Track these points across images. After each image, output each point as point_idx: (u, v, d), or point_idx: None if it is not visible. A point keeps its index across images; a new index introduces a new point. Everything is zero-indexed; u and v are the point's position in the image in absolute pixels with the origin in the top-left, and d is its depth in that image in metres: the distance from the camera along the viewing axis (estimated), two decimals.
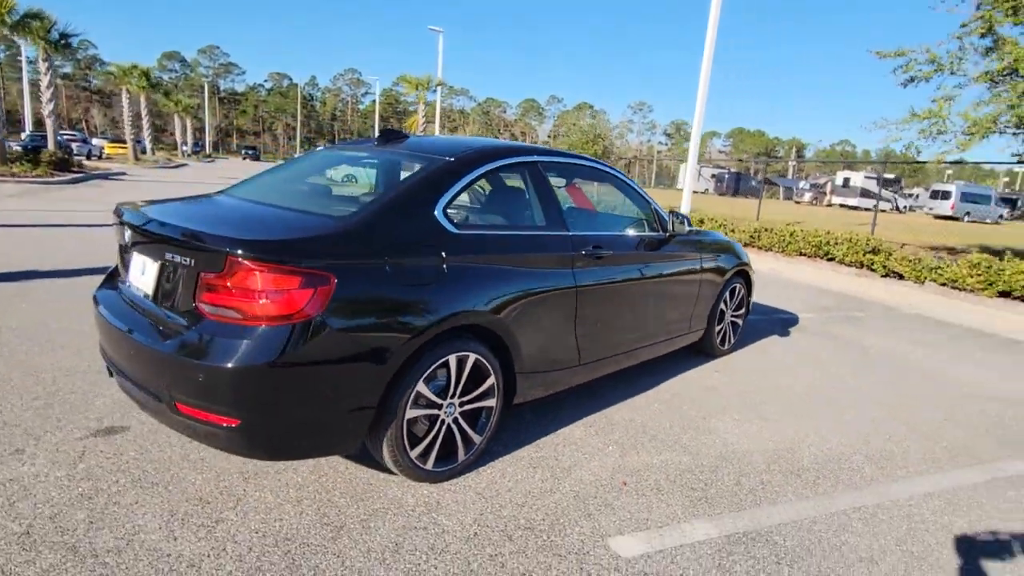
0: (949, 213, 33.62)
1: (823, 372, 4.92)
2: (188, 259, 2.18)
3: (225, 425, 2.07)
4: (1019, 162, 9.83)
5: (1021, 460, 3.57)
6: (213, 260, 2.09)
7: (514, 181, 3.36)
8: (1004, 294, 8.37)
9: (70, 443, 2.75)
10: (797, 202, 44.33)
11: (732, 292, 4.87)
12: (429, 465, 2.61)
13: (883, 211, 33.39)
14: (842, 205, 40.42)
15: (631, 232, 3.76)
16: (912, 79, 9.83)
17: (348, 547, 2.21)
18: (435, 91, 30.39)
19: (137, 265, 2.49)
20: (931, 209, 35.55)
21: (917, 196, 45.92)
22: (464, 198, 3.07)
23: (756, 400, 4.12)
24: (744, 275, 5.00)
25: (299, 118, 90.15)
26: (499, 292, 2.69)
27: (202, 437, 2.19)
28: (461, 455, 2.73)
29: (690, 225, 4.21)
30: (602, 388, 4.00)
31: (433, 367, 2.47)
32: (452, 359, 2.53)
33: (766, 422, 3.76)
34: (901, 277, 9.81)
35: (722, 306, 4.74)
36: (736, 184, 50.05)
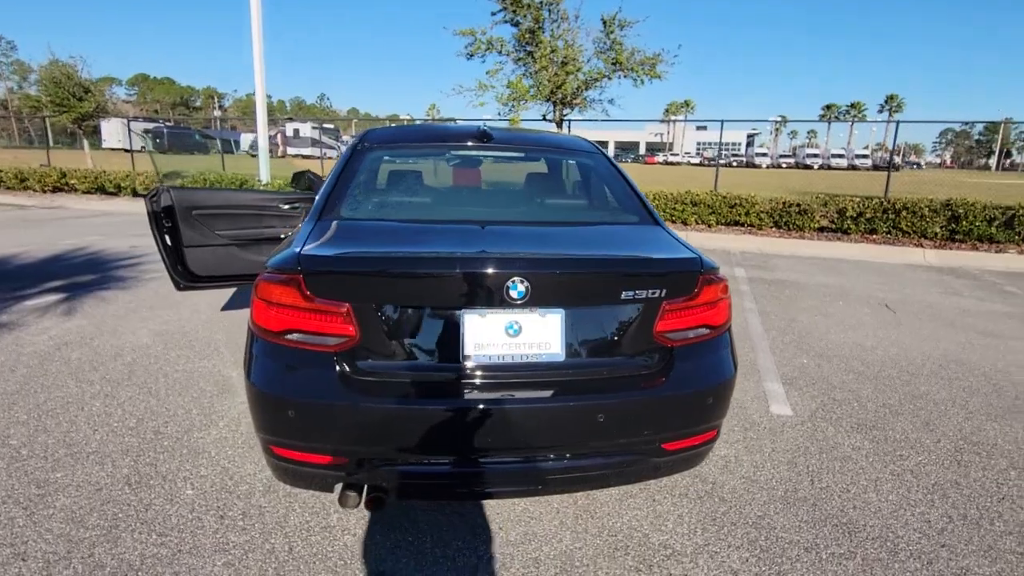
0: None
1: None
2: (642, 291, 1.97)
3: (708, 440, 2.12)
4: (544, 119, 13.04)
5: None
6: (682, 285, 2.02)
7: None
8: None
9: None
10: (253, 155, 43.80)
11: None
12: None
13: (331, 157, 37.36)
14: (296, 155, 42.51)
15: None
16: (471, 55, 11.65)
17: None
18: None
19: (489, 328, 1.91)
20: None
21: (346, 142, 52.58)
22: None
23: None
24: None
25: None
26: None
27: (680, 465, 2.19)
28: None
29: None
30: None
31: None
32: None
33: None
34: None
35: None
36: (176, 140, 45.19)
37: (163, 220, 3.91)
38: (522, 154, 3.07)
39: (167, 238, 3.94)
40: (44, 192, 14.61)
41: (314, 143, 42.48)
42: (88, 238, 8.64)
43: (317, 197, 2.52)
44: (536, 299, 1.85)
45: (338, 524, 2.26)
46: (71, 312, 4.85)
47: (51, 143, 23.30)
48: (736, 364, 2.14)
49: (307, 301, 1.85)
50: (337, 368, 1.85)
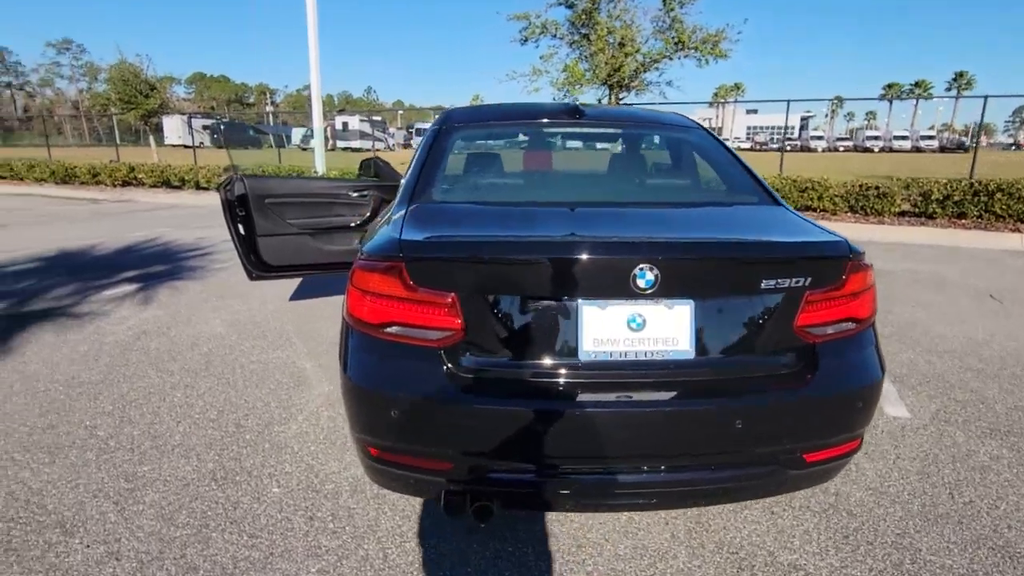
0: None
1: None
2: (784, 280, 1.71)
3: (852, 450, 1.87)
4: (599, 103, 12.73)
5: None
6: (828, 272, 1.76)
7: None
8: None
9: None
10: (304, 148, 44.83)
11: None
12: None
13: (379, 149, 37.96)
14: (345, 148, 43.21)
15: None
16: (525, 40, 11.43)
17: None
18: None
19: (609, 321, 1.69)
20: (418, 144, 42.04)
21: (393, 134, 53.21)
22: None
23: None
24: None
25: None
26: None
27: (817, 478, 1.95)
28: None
29: None
30: None
31: None
32: None
33: None
34: None
35: None
36: (233, 134, 46.75)
37: (236, 209, 3.86)
38: (618, 130, 2.84)
39: (240, 227, 3.90)
40: (114, 186, 15.23)
41: (362, 136, 43.08)
42: (157, 230, 8.89)
43: (404, 181, 2.37)
44: (664, 289, 1.64)
45: (432, 529, 2.11)
46: (147, 302, 4.92)
47: (118, 140, 24.37)
48: (884, 364, 1.87)
49: (409, 291, 1.69)
50: (442, 365, 1.69)
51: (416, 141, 45.98)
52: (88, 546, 2.00)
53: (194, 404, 3.06)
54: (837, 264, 1.77)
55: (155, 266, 6.32)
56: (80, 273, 5.93)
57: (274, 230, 3.97)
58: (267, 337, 4.09)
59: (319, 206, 4.13)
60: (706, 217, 2.17)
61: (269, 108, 76.62)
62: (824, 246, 1.80)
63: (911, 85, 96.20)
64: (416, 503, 2.25)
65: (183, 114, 46.61)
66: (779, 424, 1.73)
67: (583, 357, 1.69)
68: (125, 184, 15.26)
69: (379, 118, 48.64)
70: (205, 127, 46.69)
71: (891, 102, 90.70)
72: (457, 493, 1.75)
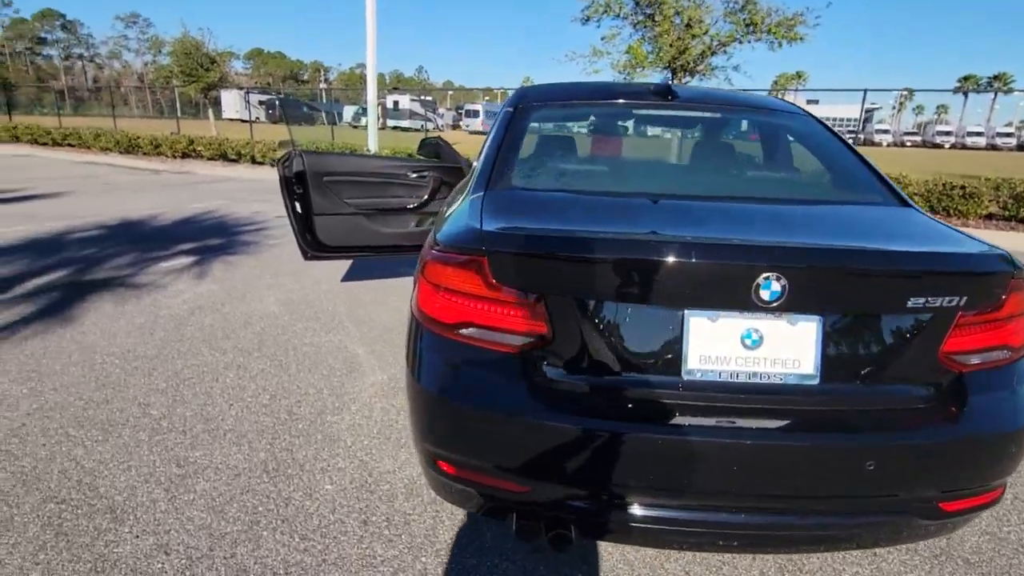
0: (480, 128, 40.36)
1: None
2: (935, 297, 1.44)
3: (994, 499, 1.58)
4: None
5: None
6: (987, 290, 1.49)
7: None
8: None
9: None
10: (354, 126, 45.31)
11: None
12: None
13: (429, 130, 38.01)
14: (395, 127, 43.41)
15: None
16: (587, 19, 11.05)
17: None
18: None
19: (720, 336, 1.47)
20: (467, 125, 41.89)
21: (443, 114, 53.15)
22: None
23: None
24: None
25: None
26: None
27: (947, 529, 1.63)
28: None
29: None
30: None
31: None
32: None
33: None
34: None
35: None
36: (288, 110, 47.59)
37: (294, 186, 3.76)
38: (715, 114, 2.56)
39: (297, 205, 3.80)
40: (174, 158, 15.64)
41: (412, 115, 43.17)
42: (214, 202, 9.00)
43: (478, 164, 2.17)
44: (790, 302, 1.39)
45: (494, 546, 1.94)
46: (202, 276, 4.91)
47: (179, 113, 25.07)
48: None
49: (491, 289, 1.50)
50: (525, 375, 1.49)
51: (465, 123, 45.93)
52: (137, 536, 1.91)
53: (246, 387, 2.97)
54: (999, 281, 1.48)
55: (211, 239, 6.35)
56: (140, 243, 6.01)
57: (330, 209, 3.85)
58: (319, 319, 4.00)
59: (376, 186, 3.98)
60: (832, 218, 1.89)
61: (323, 85, 77.64)
62: (986, 260, 1.52)
63: (989, 78, 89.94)
64: (477, 513, 2.08)
65: (241, 88, 47.74)
66: (915, 466, 1.47)
67: (686, 375, 1.46)
68: (184, 156, 15.64)
69: (429, 98, 48.65)
70: (261, 102, 47.59)
71: (966, 95, 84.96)
72: (530, 516, 1.56)
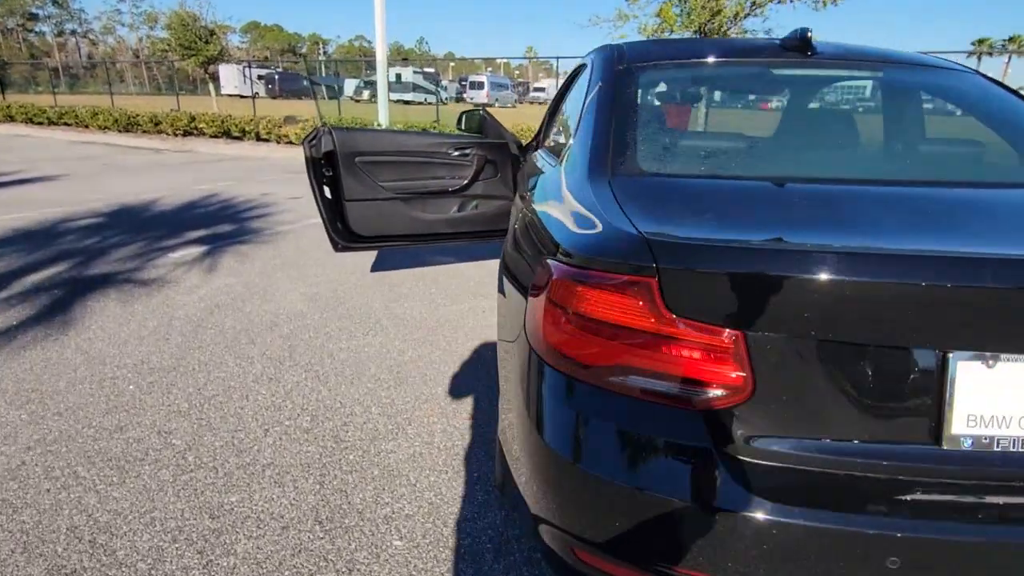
0: (485, 100, 39.43)
1: None
2: None
3: None
4: None
5: None
6: None
7: None
8: None
9: None
10: (356, 100, 44.29)
11: None
12: None
13: (431, 103, 37.10)
14: (398, 100, 42.37)
15: None
16: None
17: None
18: None
19: (1000, 388, 1.01)
20: (472, 98, 40.91)
21: (446, 87, 51.88)
22: None
23: None
24: None
25: None
26: None
27: None
28: None
29: None
30: None
31: None
32: None
33: None
34: None
35: None
36: (286, 85, 46.62)
37: (323, 168, 3.29)
38: (874, 73, 2.06)
39: (326, 189, 3.33)
40: (175, 135, 15.07)
41: (415, 88, 42.17)
42: (220, 183, 8.52)
43: (577, 141, 1.69)
44: None
45: None
46: (216, 268, 4.47)
47: (178, 89, 24.34)
48: None
49: (663, 323, 1.05)
50: (712, 442, 1.06)
51: (470, 95, 44.76)
52: None
53: (282, 406, 2.55)
54: None
55: (222, 225, 5.90)
56: (145, 231, 5.55)
57: (365, 194, 3.38)
58: (353, 318, 3.56)
59: (413, 166, 3.51)
60: None
61: (322, 58, 75.92)
62: None
63: (1004, 41, 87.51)
64: None
65: (239, 63, 46.55)
66: None
67: (948, 444, 1.02)
68: (186, 134, 15.07)
69: (432, 70, 47.41)
70: (260, 77, 46.55)
71: (979, 59, 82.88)
72: None
